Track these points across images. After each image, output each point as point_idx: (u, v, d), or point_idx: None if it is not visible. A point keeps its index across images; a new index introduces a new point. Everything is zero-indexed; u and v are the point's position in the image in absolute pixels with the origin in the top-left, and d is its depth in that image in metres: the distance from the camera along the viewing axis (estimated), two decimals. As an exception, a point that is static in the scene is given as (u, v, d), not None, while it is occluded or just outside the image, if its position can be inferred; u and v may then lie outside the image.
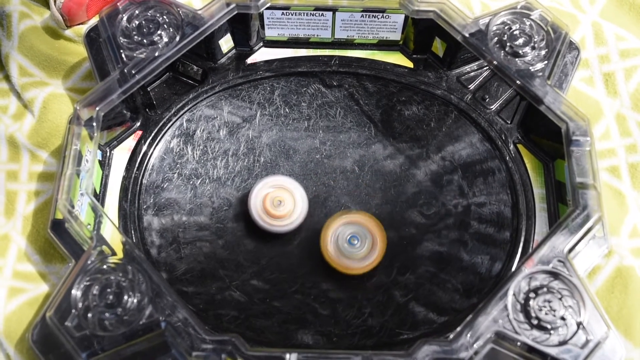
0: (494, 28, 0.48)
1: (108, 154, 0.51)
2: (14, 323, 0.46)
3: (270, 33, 0.55)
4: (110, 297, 0.40)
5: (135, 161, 0.51)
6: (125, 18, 0.48)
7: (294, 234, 0.48)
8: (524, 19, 0.48)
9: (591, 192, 0.43)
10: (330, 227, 0.47)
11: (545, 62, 0.47)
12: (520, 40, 0.47)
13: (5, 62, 0.56)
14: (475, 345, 0.39)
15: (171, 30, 0.48)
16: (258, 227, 0.47)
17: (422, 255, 0.48)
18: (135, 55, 0.47)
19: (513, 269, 0.46)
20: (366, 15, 0.52)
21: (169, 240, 0.48)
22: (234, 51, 0.55)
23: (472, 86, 0.53)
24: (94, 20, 0.51)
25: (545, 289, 0.40)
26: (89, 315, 0.39)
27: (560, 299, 0.40)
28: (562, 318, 0.39)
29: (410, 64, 0.55)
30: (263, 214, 0.47)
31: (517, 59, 0.47)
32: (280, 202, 0.47)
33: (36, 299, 0.47)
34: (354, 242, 0.47)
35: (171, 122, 0.52)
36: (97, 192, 0.49)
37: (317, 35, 0.55)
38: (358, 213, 0.48)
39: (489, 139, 0.51)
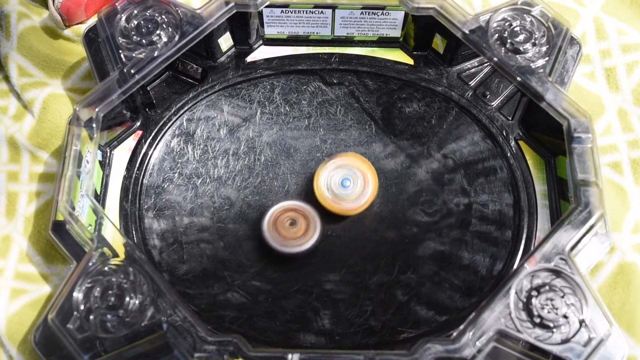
0: (495, 24, 0.48)
1: (108, 154, 0.51)
2: (16, 324, 0.46)
3: (269, 31, 0.54)
4: (112, 298, 0.40)
5: (135, 161, 0.50)
6: (123, 18, 0.48)
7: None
8: (525, 15, 0.48)
9: (593, 189, 0.43)
10: (322, 173, 0.48)
11: (546, 58, 0.47)
12: (521, 37, 0.47)
13: (4, 63, 0.55)
14: (477, 344, 0.39)
15: (170, 29, 0.47)
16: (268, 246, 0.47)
17: (424, 253, 0.47)
18: (134, 55, 0.47)
19: (515, 267, 0.46)
20: (366, 12, 0.52)
21: (170, 240, 0.48)
22: (233, 50, 0.55)
23: (472, 83, 0.53)
24: (93, 20, 0.51)
25: (547, 287, 0.40)
26: (91, 317, 0.39)
27: (562, 297, 0.40)
28: (565, 316, 0.39)
29: (410, 61, 0.54)
30: (279, 238, 0.47)
31: (517, 56, 0.47)
32: (294, 223, 0.47)
33: (38, 300, 0.47)
34: (347, 184, 0.47)
35: (171, 122, 0.52)
36: (98, 192, 0.49)
37: (317, 33, 0.54)
38: (347, 155, 0.49)
39: (490, 136, 0.51)
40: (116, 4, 0.48)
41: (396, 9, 0.52)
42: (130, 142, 0.52)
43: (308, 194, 0.49)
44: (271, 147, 0.51)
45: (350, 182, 0.48)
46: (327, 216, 0.48)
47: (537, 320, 0.39)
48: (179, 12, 0.48)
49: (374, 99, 0.53)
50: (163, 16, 0.48)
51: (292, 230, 0.47)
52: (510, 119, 0.52)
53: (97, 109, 0.45)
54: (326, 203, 0.47)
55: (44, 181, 0.51)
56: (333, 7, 0.52)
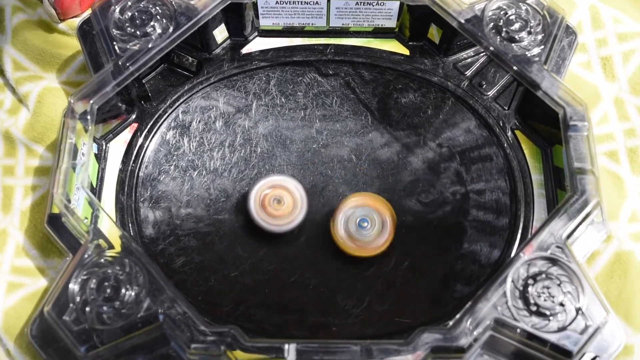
0: (490, 13, 0.48)
1: (104, 147, 0.51)
2: (13, 318, 0.46)
3: (264, 22, 0.54)
4: (108, 290, 0.40)
5: (131, 154, 0.50)
6: (117, 10, 0.48)
7: (292, 224, 0.48)
8: (520, 3, 0.48)
9: (589, 177, 0.43)
10: (340, 211, 0.47)
11: (542, 47, 0.47)
12: (516, 25, 0.47)
13: (-1, 57, 0.55)
14: (474, 333, 0.39)
15: (164, 21, 0.47)
16: (256, 225, 0.47)
17: (421, 243, 0.47)
18: (128, 47, 0.46)
19: (512, 255, 0.46)
20: (361, 2, 0.52)
21: (167, 232, 0.48)
22: (228, 41, 0.54)
23: (468, 73, 0.53)
24: (87, 13, 0.51)
25: (543, 275, 0.40)
26: (87, 309, 0.39)
27: (559, 285, 0.40)
28: (561, 304, 0.39)
29: (406, 51, 0.54)
30: (263, 214, 0.47)
31: (513, 45, 0.47)
32: (279, 201, 0.47)
33: (35, 293, 0.47)
34: (364, 224, 0.46)
35: (167, 114, 0.52)
36: (94, 185, 0.49)
37: (312, 24, 0.54)
38: (366, 195, 0.48)
39: (487, 126, 0.51)
40: (110, -5, 0.48)
41: (391, -1, 0.52)
42: (126, 135, 0.51)
43: (304, 186, 0.49)
44: (267, 138, 0.51)
45: (367, 223, 0.46)
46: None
47: (534, 308, 0.39)
48: (173, 3, 0.48)
49: (369, 90, 0.53)
50: (157, 7, 0.48)
51: (279, 208, 0.47)
52: (506, 108, 0.52)
53: (91, 101, 0.45)
54: (343, 245, 0.46)
55: (40, 175, 0.51)
56: (328, -2, 0.52)
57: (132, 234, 0.48)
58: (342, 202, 0.47)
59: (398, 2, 0.52)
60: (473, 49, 0.53)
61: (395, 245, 0.47)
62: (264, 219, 0.47)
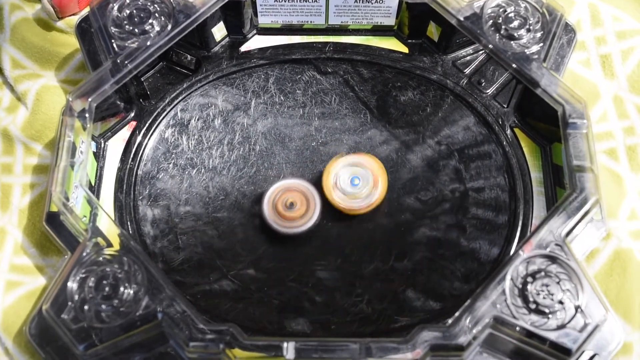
0: (489, 11, 0.48)
1: (102, 145, 0.51)
2: (12, 316, 0.46)
3: (263, 20, 0.54)
4: (107, 288, 0.40)
5: (130, 152, 0.50)
6: (116, 7, 0.48)
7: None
8: (519, 1, 0.48)
9: (588, 174, 0.43)
10: (331, 170, 0.47)
11: (541, 44, 0.47)
12: (515, 23, 0.47)
13: (-3, 55, 0.55)
14: (473, 331, 0.39)
15: (163, 18, 0.47)
16: (264, 220, 0.47)
17: (420, 241, 0.47)
18: (127, 45, 0.46)
19: (511, 253, 0.46)
20: (360, 0, 0.52)
21: (165, 230, 0.48)
22: (227, 39, 0.54)
23: (467, 70, 0.53)
24: (86, 11, 0.51)
25: (543, 273, 0.40)
26: (86, 307, 0.39)
27: (558, 282, 0.39)
28: (560, 302, 0.39)
29: (405, 49, 0.54)
30: (276, 217, 0.47)
31: (512, 42, 0.47)
32: (293, 204, 0.47)
33: (33, 292, 0.47)
34: (356, 182, 0.47)
35: (165, 112, 0.52)
36: (92, 183, 0.49)
37: (311, 22, 0.54)
38: (358, 154, 0.48)
39: (486, 124, 0.51)
40: (108, -7, 0.48)
41: (390, -4, 0.52)
42: (125, 133, 0.51)
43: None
44: (266, 136, 0.51)
45: (359, 181, 0.47)
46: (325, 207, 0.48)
47: (533, 306, 0.39)
48: (172, 0, 0.48)
49: (368, 88, 0.53)
50: (155, 5, 0.48)
51: (292, 211, 0.47)
52: (505, 106, 0.52)
53: (90, 99, 0.45)
54: (332, 198, 0.47)
55: (38, 173, 0.51)
56: (327, -4, 0.52)
57: (130, 232, 0.47)
58: (331, 161, 0.48)
59: (397, 0, 0.52)
60: (472, 47, 0.53)
61: (394, 242, 0.47)
62: (277, 221, 0.47)
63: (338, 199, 0.47)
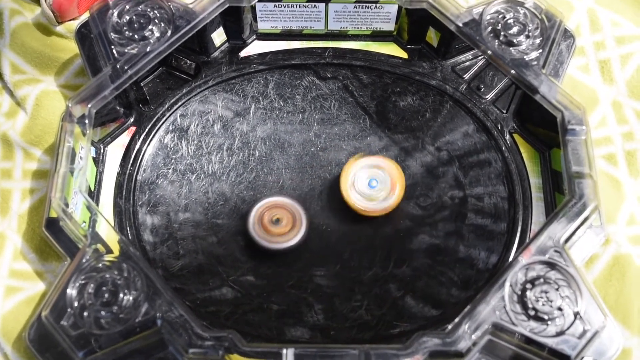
0: (488, 17, 0.48)
1: (102, 151, 0.51)
2: (11, 322, 0.46)
3: (263, 26, 0.54)
4: (106, 295, 0.40)
5: (129, 157, 0.50)
6: (115, 13, 0.48)
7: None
8: (518, 7, 0.48)
9: (587, 181, 0.43)
10: (349, 170, 0.47)
11: (540, 50, 0.47)
12: (515, 29, 0.47)
13: (-4, 60, 0.55)
14: (473, 337, 0.39)
15: (162, 25, 0.47)
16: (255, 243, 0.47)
17: (419, 247, 0.47)
18: (126, 51, 0.46)
19: (510, 259, 0.46)
20: (359, 6, 0.52)
21: (165, 236, 0.48)
22: (226, 45, 0.54)
23: (467, 76, 0.53)
24: (85, 16, 0.51)
25: (542, 280, 0.40)
26: (85, 313, 0.39)
27: (557, 289, 0.40)
28: (559, 308, 0.39)
29: (404, 55, 0.54)
30: (262, 233, 0.47)
31: (511, 48, 0.47)
32: (279, 220, 0.47)
33: (33, 297, 0.47)
34: (374, 184, 0.47)
35: (165, 118, 0.52)
36: (92, 189, 0.49)
37: (310, 27, 0.54)
38: (378, 157, 0.48)
39: (485, 129, 0.51)
40: (108, -1, 0.48)
41: (389, 2, 0.52)
42: (124, 139, 0.51)
43: (302, 190, 0.49)
44: (265, 142, 0.51)
45: (377, 183, 0.47)
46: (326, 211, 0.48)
47: (532, 312, 0.39)
48: (171, 6, 0.48)
49: (368, 93, 0.53)
50: (155, 11, 0.48)
51: (277, 227, 0.47)
52: (504, 112, 0.52)
53: (89, 105, 0.45)
54: (348, 198, 0.47)
55: (38, 178, 0.51)
56: (326, 1, 0.52)
57: (130, 238, 0.47)
58: (349, 162, 0.48)
59: (396, 6, 0.52)
60: (471, 53, 0.53)
61: (393, 249, 0.47)
62: (264, 237, 0.46)
63: (354, 199, 0.47)
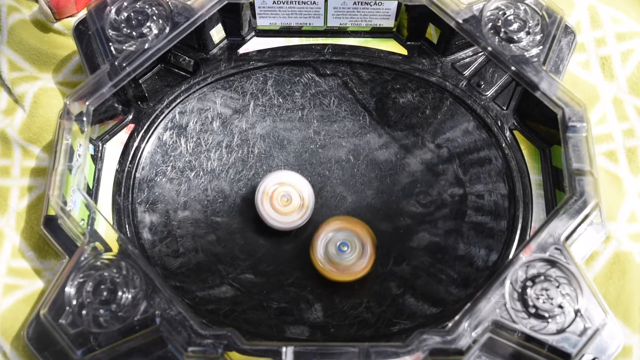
0: (488, 13, 0.47)
1: (100, 148, 0.50)
2: (10, 320, 0.46)
3: (262, 22, 0.54)
4: (105, 293, 0.39)
5: (128, 155, 0.50)
6: (113, 10, 0.47)
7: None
8: (518, 3, 0.48)
9: (588, 178, 0.43)
10: (319, 234, 0.46)
11: (541, 47, 0.46)
12: (515, 26, 0.47)
13: (-6, 57, 0.55)
14: (473, 335, 0.39)
15: (161, 21, 0.47)
16: (263, 223, 0.47)
17: (419, 245, 0.47)
18: (124, 48, 0.46)
19: (510, 257, 0.46)
20: (359, 2, 0.52)
21: (164, 234, 0.48)
22: (225, 41, 0.54)
23: (467, 72, 0.53)
24: (83, 13, 0.51)
25: (542, 277, 0.40)
26: (84, 312, 0.39)
27: (557, 286, 0.39)
28: (560, 306, 0.39)
29: (404, 51, 0.54)
30: (271, 211, 0.47)
31: (511, 45, 0.46)
32: (288, 199, 0.47)
33: (31, 295, 0.47)
34: (344, 248, 0.45)
35: (164, 115, 0.52)
36: (90, 186, 0.49)
37: (310, 24, 0.54)
38: (346, 219, 0.47)
39: (485, 126, 0.51)
40: (106, -4, 0.48)
41: (389, -2, 0.51)
42: (123, 136, 0.51)
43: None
44: (264, 139, 0.51)
45: (347, 247, 0.45)
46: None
47: (532, 310, 0.39)
48: (170, 3, 0.48)
49: (367, 90, 0.53)
50: (153, 8, 0.47)
51: (286, 205, 0.47)
52: (504, 108, 0.52)
53: (87, 103, 0.45)
54: (323, 270, 0.45)
55: (36, 176, 0.51)
56: (325, -2, 0.52)
57: (129, 236, 0.47)
58: (320, 226, 0.46)
59: (396, 2, 0.52)
60: (471, 49, 0.53)
61: (393, 246, 0.47)
62: (271, 215, 0.46)
63: (325, 266, 0.45)
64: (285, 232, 0.48)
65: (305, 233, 0.48)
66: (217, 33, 0.53)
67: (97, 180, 0.49)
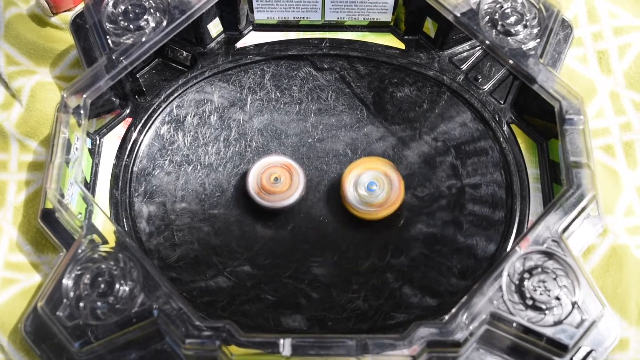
0: (486, 7, 0.47)
1: (98, 142, 0.50)
2: (7, 314, 0.45)
3: (259, 16, 0.54)
4: (102, 285, 0.39)
5: (125, 149, 0.50)
6: (110, 3, 0.47)
7: (287, 219, 0.48)
8: (516, -3, 0.48)
9: (585, 170, 0.43)
10: (348, 176, 0.47)
11: (538, 40, 0.46)
12: (512, 19, 0.47)
13: (-9, 51, 0.55)
14: (470, 327, 0.39)
15: (158, 14, 0.47)
16: (257, 205, 0.47)
17: (416, 237, 0.47)
18: (122, 41, 0.46)
19: (508, 249, 0.46)
20: (356, -4, 0.52)
21: (161, 227, 0.48)
22: (223, 35, 0.54)
23: (464, 66, 0.53)
24: (80, 7, 0.51)
25: (539, 269, 0.40)
26: (81, 304, 0.39)
27: (554, 279, 0.39)
28: (557, 298, 0.39)
29: (401, 45, 0.54)
30: (261, 191, 0.47)
31: (509, 38, 0.46)
32: (277, 179, 0.47)
33: (29, 289, 0.47)
34: (373, 187, 0.47)
35: (161, 109, 0.52)
36: (88, 180, 0.49)
37: (307, 18, 0.54)
38: (362, 162, 0.48)
39: (482, 120, 0.51)
40: (103, -11, 0.48)
41: (386, -8, 0.51)
42: (120, 130, 0.51)
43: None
44: (262, 133, 0.51)
45: (375, 185, 0.47)
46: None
47: (530, 302, 0.39)
48: (167, -4, 0.48)
49: (365, 84, 0.53)
50: (151, 1, 0.47)
51: (276, 185, 0.47)
52: (502, 102, 0.52)
53: (85, 96, 0.45)
54: (352, 209, 0.47)
55: (33, 170, 0.51)
56: (323, -9, 0.52)
57: (126, 229, 0.47)
58: (342, 177, 0.48)
59: (393, -4, 0.52)
60: (469, 43, 0.53)
61: (391, 239, 0.47)
62: (262, 196, 0.47)
63: (356, 206, 0.47)
64: (282, 223, 0.48)
65: (303, 225, 0.48)
66: (215, 27, 0.53)
67: (94, 174, 0.49)
